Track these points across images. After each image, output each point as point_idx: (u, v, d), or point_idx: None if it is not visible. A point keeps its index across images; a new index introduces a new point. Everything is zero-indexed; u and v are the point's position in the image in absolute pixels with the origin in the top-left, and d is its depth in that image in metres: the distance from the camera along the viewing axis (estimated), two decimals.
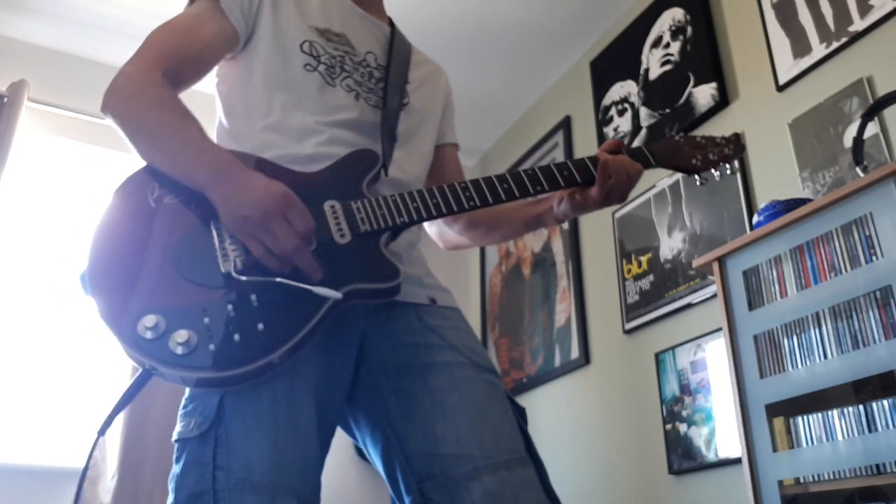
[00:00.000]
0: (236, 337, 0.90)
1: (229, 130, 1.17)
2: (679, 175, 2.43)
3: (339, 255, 0.99)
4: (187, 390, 1.01)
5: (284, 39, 1.16)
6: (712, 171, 1.25)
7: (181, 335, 0.88)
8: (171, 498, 0.94)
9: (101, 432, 0.94)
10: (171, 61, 1.07)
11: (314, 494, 0.98)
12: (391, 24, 1.34)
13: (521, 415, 1.10)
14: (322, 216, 1.02)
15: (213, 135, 1.21)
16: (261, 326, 0.91)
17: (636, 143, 2.69)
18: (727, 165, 1.25)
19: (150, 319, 0.88)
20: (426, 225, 1.38)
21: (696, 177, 1.25)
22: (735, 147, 1.27)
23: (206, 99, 1.24)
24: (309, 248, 0.95)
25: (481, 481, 0.99)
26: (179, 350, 0.87)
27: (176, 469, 0.95)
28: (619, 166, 1.15)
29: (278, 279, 0.93)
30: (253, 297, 0.93)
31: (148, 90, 1.03)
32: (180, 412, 0.99)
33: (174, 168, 0.99)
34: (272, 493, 0.90)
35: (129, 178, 1.02)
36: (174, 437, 0.98)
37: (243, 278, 0.93)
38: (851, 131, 1.73)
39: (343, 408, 1.13)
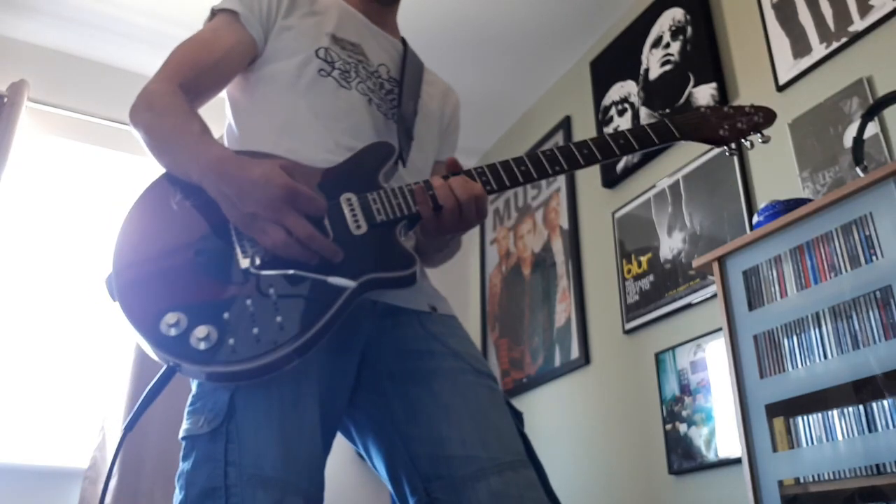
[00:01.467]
0: (255, 330, 0.91)
1: (239, 136, 1.19)
2: (679, 175, 2.44)
3: (355, 246, 1.00)
4: (193, 388, 1.02)
5: (300, 45, 1.19)
6: (743, 141, 1.18)
7: (202, 331, 0.89)
8: (180, 495, 0.94)
9: (128, 429, 0.95)
10: (188, 73, 1.10)
11: (319, 494, 0.99)
12: (404, 42, 1.37)
13: (518, 419, 1.12)
14: (339, 209, 1.03)
15: (222, 138, 1.22)
16: (279, 319, 0.92)
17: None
18: (759, 135, 1.18)
19: (171, 317, 0.90)
20: None
21: (726, 148, 1.19)
22: (766, 115, 1.20)
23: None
24: (322, 233, 0.96)
25: (487, 481, 1.00)
26: (201, 346, 0.89)
27: (185, 466, 0.95)
28: (447, 192, 1.04)
29: (292, 271, 0.94)
30: (271, 290, 0.94)
31: (160, 99, 1.06)
32: (187, 409, 1.00)
33: (177, 168, 1.02)
34: (282, 489, 0.92)
35: (153, 183, 1.05)
36: (182, 434, 0.98)
37: (261, 272, 0.95)
38: (851, 131, 1.73)
39: (344, 411, 1.14)
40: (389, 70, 1.28)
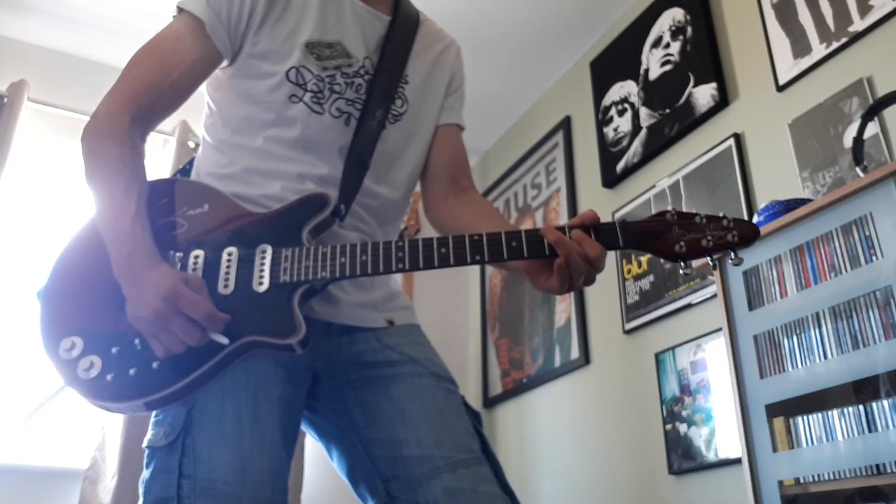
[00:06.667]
0: (132, 371, 0.97)
1: (214, 145, 1.17)
2: (679, 175, 2.44)
3: (251, 302, 1.00)
4: None
5: (272, 66, 1.14)
6: (707, 259, 1.00)
7: (88, 361, 0.97)
8: (140, 500, 0.99)
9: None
10: (143, 99, 1.09)
11: (282, 499, 1.03)
12: (396, 9, 1.28)
13: (476, 418, 1.15)
14: (251, 260, 1.02)
15: (200, 120, 1.22)
16: (155, 365, 0.97)
17: (636, 142, 2.69)
18: (731, 254, 0.99)
19: (69, 341, 0.98)
20: (423, 189, 1.39)
21: (681, 264, 1.01)
22: (743, 233, 0.98)
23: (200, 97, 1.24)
24: (208, 335, 0.97)
25: (441, 478, 1.05)
26: (83, 374, 0.97)
27: (145, 474, 1.00)
28: (572, 248, 0.97)
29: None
30: None
31: (108, 144, 1.05)
32: (152, 419, 1.03)
33: (102, 234, 1.03)
34: (236, 501, 0.95)
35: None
36: (144, 443, 1.02)
37: None
38: (851, 131, 1.73)
39: (305, 415, 1.17)
40: (374, 63, 1.22)
